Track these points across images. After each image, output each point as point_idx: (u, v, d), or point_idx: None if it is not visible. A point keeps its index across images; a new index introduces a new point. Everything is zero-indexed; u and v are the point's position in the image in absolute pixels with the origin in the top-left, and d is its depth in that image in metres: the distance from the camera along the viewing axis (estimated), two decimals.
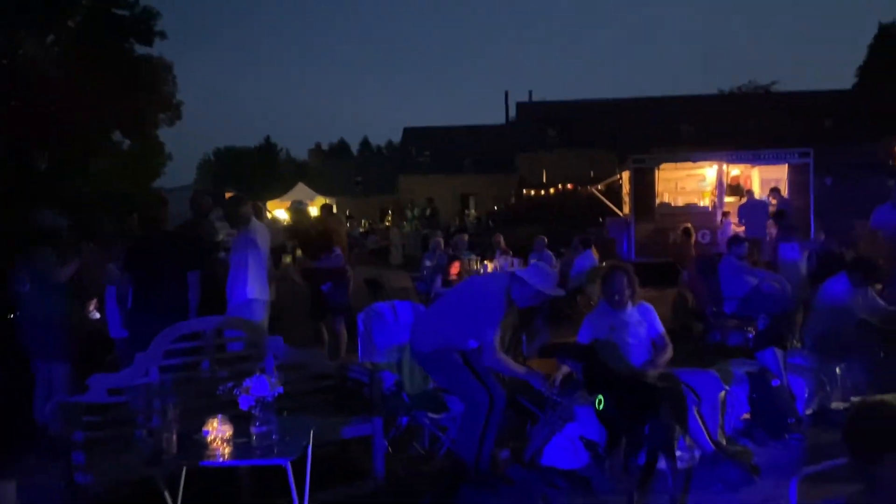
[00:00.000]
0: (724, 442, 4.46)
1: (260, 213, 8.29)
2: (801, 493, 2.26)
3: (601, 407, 3.97)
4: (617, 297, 4.77)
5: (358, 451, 4.46)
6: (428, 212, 21.13)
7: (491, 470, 4.22)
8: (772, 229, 12.26)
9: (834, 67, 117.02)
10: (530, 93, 44.45)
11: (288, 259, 9.00)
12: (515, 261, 11.22)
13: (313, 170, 54.66)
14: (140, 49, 26.42)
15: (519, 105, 43.32)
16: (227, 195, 7.85)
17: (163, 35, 26.38)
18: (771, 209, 13.59)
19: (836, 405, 5.41)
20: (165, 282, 5.21)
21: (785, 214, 11.98)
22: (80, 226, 8.78)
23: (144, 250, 5.41)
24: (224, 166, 60.45)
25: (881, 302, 6.07)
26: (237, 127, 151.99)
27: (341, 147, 76.00)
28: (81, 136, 23.00)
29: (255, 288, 5.53)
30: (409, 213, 21.82)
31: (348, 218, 20.47)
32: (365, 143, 76.61)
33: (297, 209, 7.98)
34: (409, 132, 47.04)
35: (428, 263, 10.47)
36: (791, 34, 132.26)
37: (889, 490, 1.84)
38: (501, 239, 12.32)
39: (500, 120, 45.72)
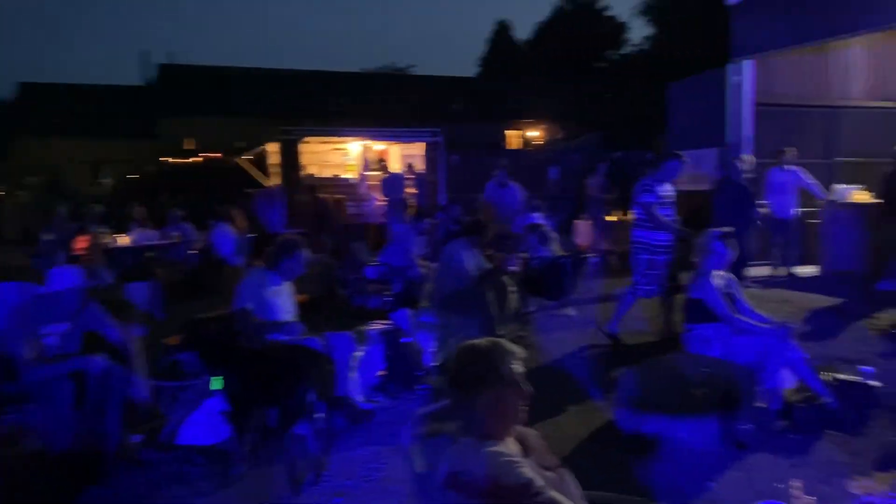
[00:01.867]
0: (361, 398, 4.73)
1: None
2: (418, 433, 2.48)
3: (220, 386, 3.96)
4: (300, 268, 4.76)
5: None
6: (50, 180, 18.56)
7: (121, 456, 3.91)
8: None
9: (464, 56, 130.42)
10: (172, 54, 41.61)
11: None
12: (154, 234, 10.51)
13: None
14: None
15: (162, 67, 40.20)
16: None
17: None
18: (407, 183, 14.75)
19: None
20: None
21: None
22: None
23: None
24: None
25: (484, 263, 7.00)
26: None
27: None
28: None
29: None
30: (27, 182, 18.92)
31: None
32: None
33: None
34: (26, 88, 40.56)
35: (47, 238, 9.22)
36: (427, 22, 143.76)
37: (479, 420, 2.11)
38: (141, 211, 11.38)
39: (135, 81, 42.08)
